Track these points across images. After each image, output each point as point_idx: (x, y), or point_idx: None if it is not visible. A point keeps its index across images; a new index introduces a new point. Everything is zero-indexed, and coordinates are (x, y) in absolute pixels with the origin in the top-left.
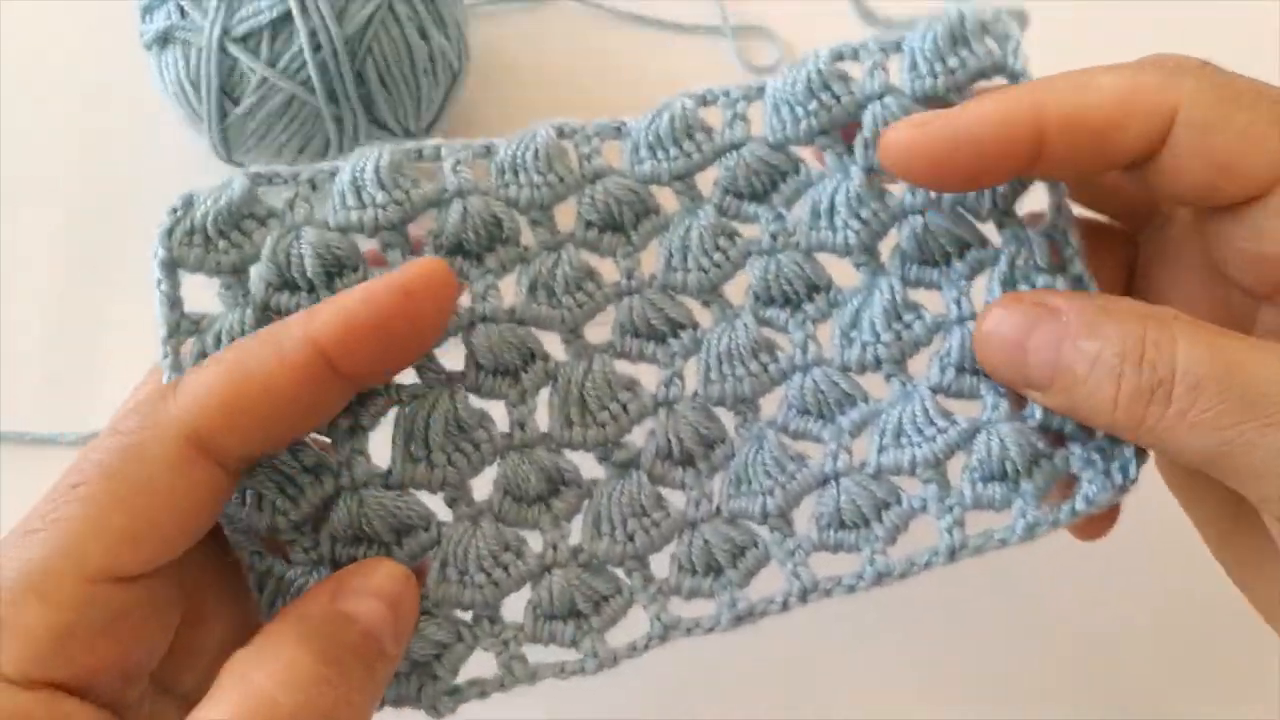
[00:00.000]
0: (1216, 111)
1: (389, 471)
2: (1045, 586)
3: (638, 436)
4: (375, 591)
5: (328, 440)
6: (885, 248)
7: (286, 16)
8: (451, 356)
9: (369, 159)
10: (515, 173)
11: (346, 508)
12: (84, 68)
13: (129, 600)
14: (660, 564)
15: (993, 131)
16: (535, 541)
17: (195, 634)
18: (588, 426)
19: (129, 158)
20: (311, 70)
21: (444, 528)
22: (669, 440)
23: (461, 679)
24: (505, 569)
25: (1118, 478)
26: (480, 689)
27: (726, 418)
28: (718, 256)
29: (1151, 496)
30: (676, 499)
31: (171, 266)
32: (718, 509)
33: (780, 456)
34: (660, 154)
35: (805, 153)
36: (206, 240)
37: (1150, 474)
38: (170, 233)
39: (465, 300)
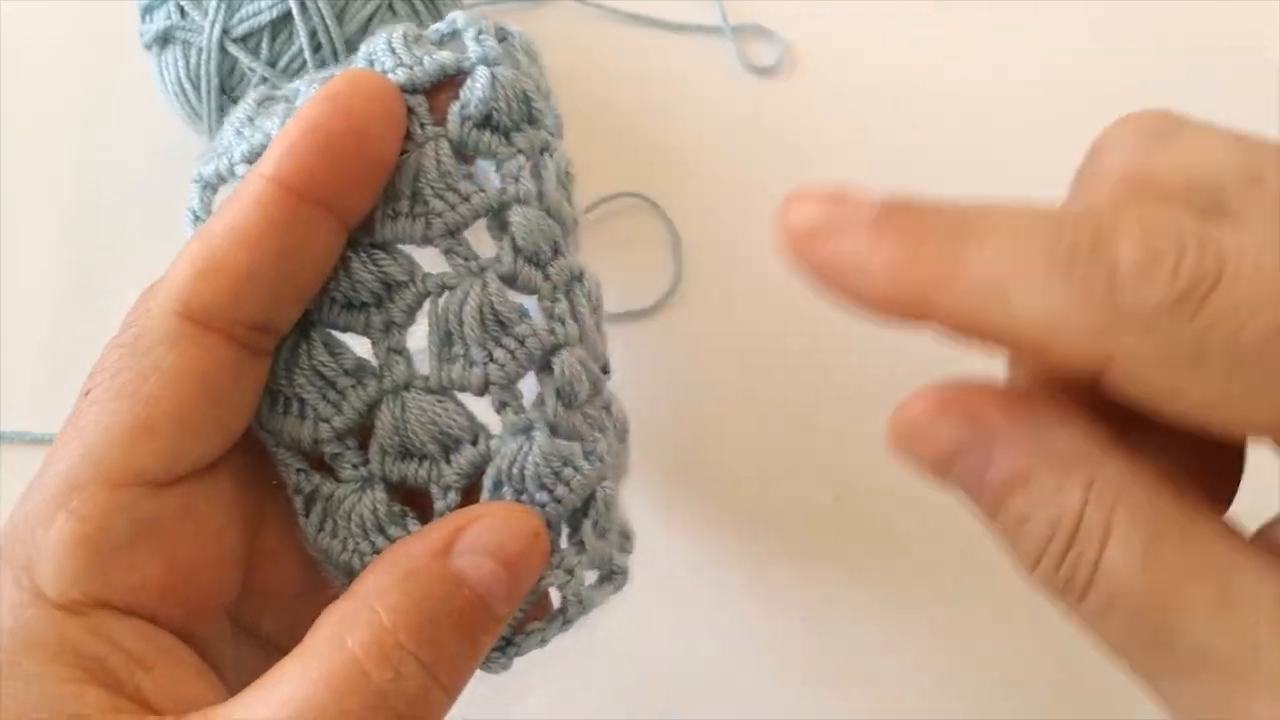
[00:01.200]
0: (1155, 370)
1: (429, 376)
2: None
3: None
4: (495, 550)
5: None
6: None
7: (287, 16)
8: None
9: (380, 37)
10: (535, 58)
11: (390, 411)
12: (83, 68)
13: (162, 509)
14: None
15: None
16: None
17: (267, 573)
18: None
19: (128, 158)
20: (311, 70)
21: (494, 442)
22: None
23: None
24: (568, 484)
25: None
26: (541, 635)
27: None
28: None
29: None
30: None
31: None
32: None
33: None
34: None
35: None
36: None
37: None
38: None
39: (496, 181)
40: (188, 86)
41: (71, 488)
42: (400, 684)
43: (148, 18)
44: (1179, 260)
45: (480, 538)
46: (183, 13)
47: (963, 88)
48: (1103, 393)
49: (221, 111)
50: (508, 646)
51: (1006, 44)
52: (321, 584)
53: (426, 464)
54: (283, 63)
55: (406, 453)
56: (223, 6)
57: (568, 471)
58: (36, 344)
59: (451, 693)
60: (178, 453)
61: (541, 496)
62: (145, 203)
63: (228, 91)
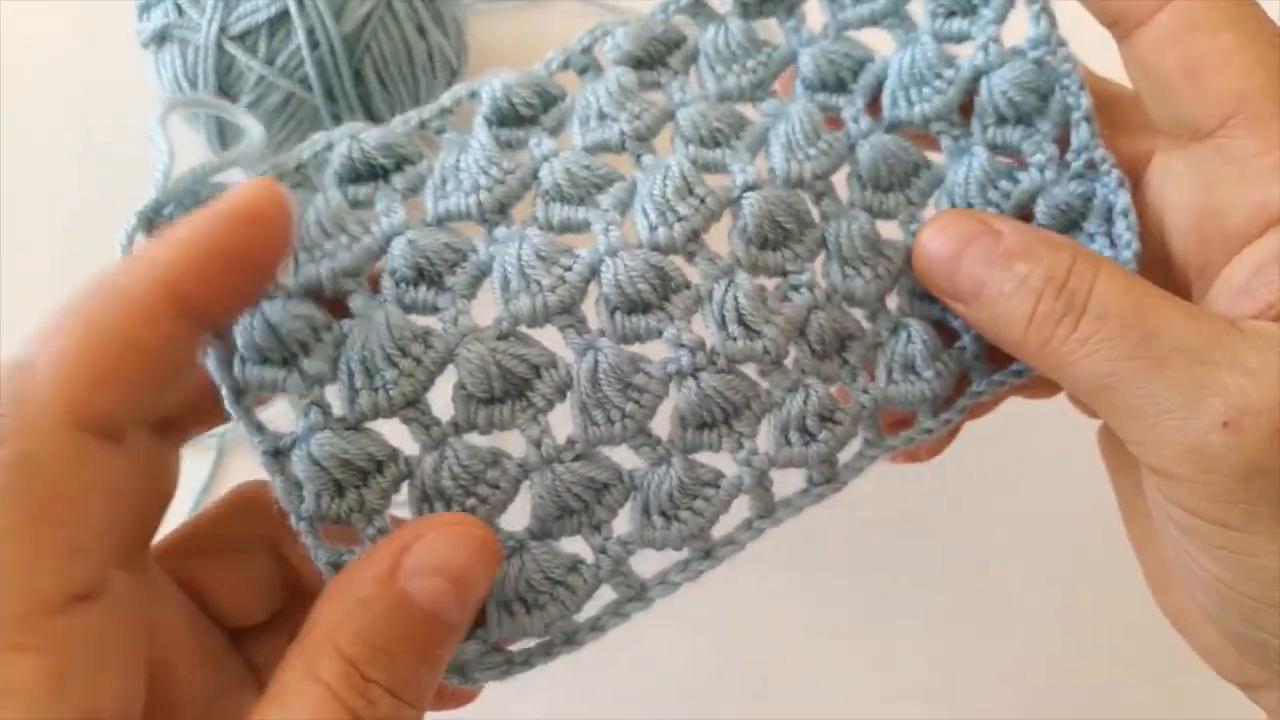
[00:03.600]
0: (1215, 14)
1: (343, 416)
2: (1044, 586)
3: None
4: (441, 567)
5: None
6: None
7: (284, 14)
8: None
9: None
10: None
11: (306, 453)
12: (81, 66)
13: (102, 621)
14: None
15: None
16: (516, 445)
17: (170, 687)
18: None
19: (126, 156)
20: (309, 68)
21: (411, 460)
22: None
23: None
24: (495, 486)
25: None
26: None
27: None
28: (823, 145)
29: None
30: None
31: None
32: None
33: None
34: (741, 66)
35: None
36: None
37: None
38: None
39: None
40: (185, 84)
41: (17, 625)
42: (374, 709)
43: (145, 16)
44: None
45: (424, 557)
46: (180, 11)
47: None
48: None
49: None
50: (511, 667)
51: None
52: (221, 704)
53: (352, 491)
54: (280, 60)
55: (339, 487)
56: (220, 5)
57: (493, 473)
58: None
59: (419, 706)
60: (107, 561)
61: (469, 503)
62: (143, 201)
63: (225, 89)
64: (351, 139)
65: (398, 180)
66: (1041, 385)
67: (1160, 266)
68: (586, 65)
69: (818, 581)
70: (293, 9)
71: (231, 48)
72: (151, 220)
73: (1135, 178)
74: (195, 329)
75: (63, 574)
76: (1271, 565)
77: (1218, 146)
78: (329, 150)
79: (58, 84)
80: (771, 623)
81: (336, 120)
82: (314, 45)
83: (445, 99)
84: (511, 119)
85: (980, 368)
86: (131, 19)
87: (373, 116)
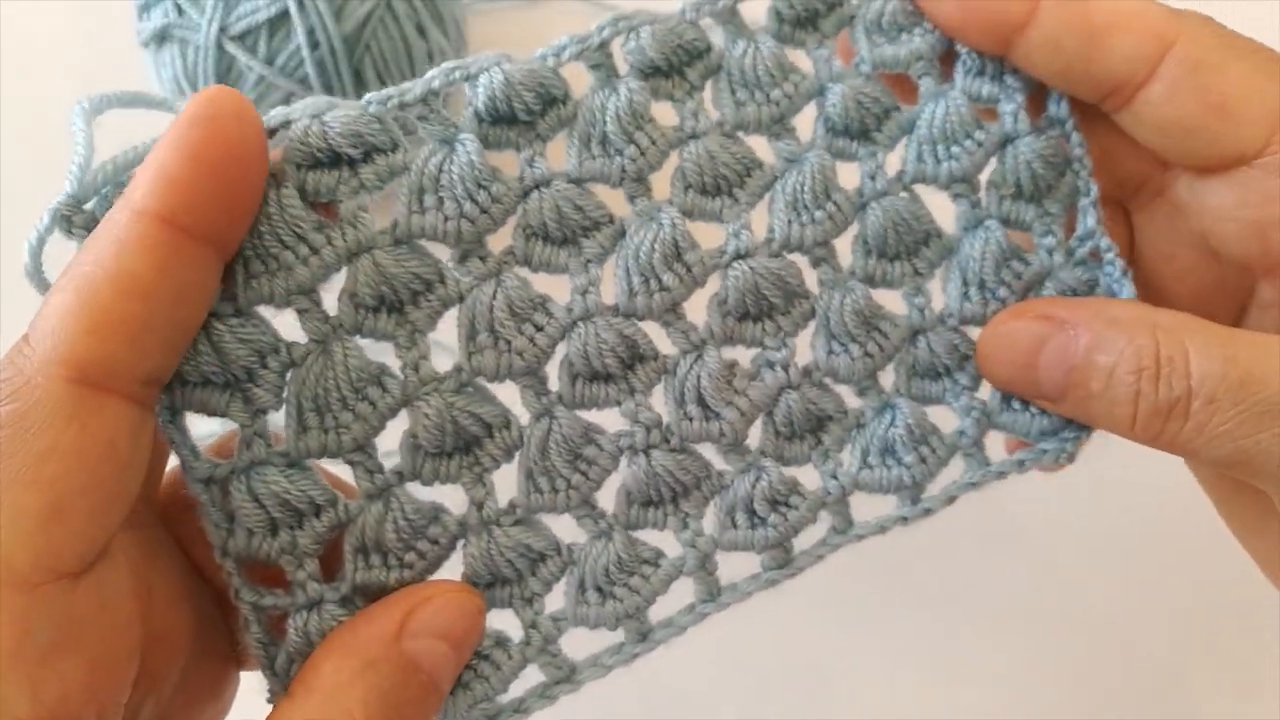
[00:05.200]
0: (1215, 54)
1: (285, 451)
2: (1053, 584)
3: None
4: (445, 631)
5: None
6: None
7: (284, 14)
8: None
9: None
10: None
11: (246, 487)
12: (81, 65)
13: (79, 603)
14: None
15: None
16: (456, 501)
17: (157, 659)
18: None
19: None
20: (309, 68)
21: (351, 506)
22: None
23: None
24: (435, 542)
25: (1065, 453)
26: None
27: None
28: (830, 207)
29: (1160, 501)
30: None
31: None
32: (806, 371)
33: (868, 314)
34: (763, 96)
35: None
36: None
37: (1160, 475)
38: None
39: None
40: (185, 84)
41: None
42: None
43: (145, 15)
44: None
45: (431, 620)
46: (180, 11)
47: None
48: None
49: None
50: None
51: None
52: (201, 668)
53: (285, 530)
54: (280, 60)
55: (273, 525)
56: (220, 4)
57: (434, 529)
58: None
59: None
60: (90, 535)
61: (409, 557)
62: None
63: None
64: (313, 118)
65: (366, 173)
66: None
67: (1213, 284)
68: (600, 62)
69: (819, 581)
70: (293, 9)
71: (231, 47)
72: (69, 217)
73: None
74: (199, 254)
75: (39, 546)
76: None
77: (1266, 165)
78: (285, 128)
79: (56, 82)
80: (772, 622)
81: None
82: (314, 45)
83: (435, 78)
84: (506, 118)
85: (977, 455)
86: (131, 19)
87: None
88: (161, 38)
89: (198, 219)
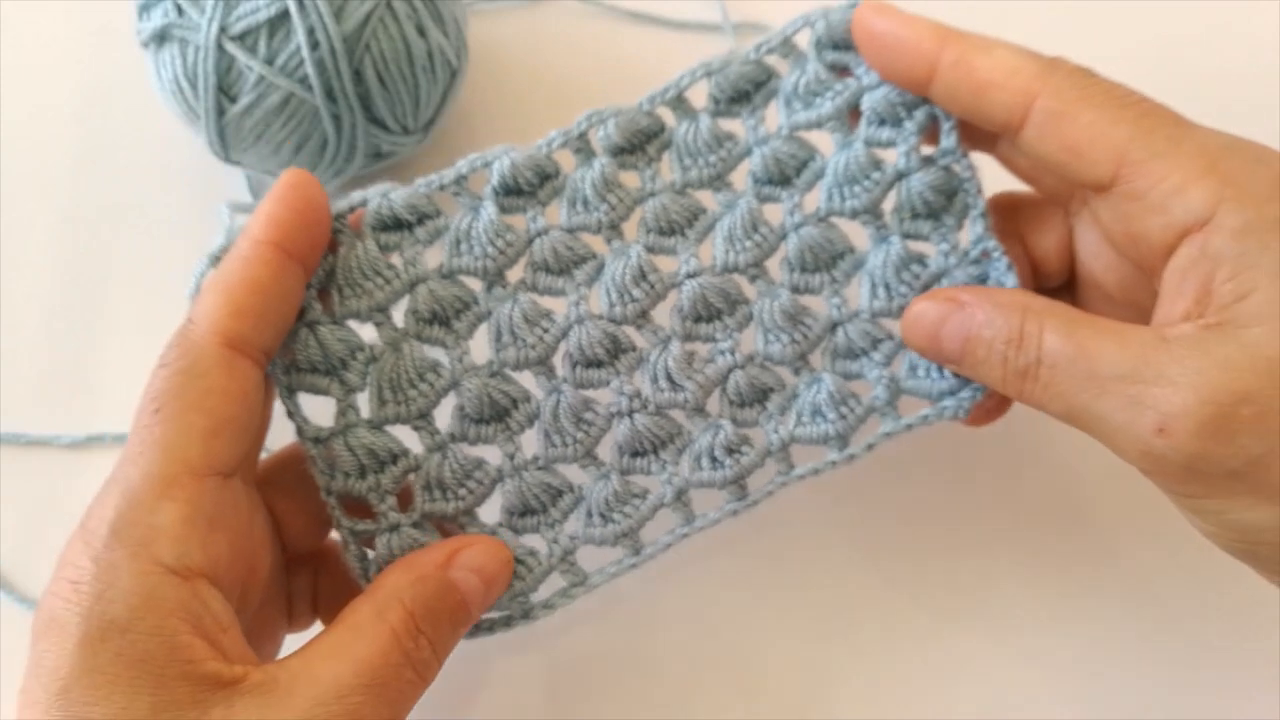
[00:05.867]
0: (1070, 105)
1: (370, 418)
2: (1052, 584)
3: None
4: (478, 569)
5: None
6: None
7: (284, 14)
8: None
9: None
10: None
11: (344, 443)
12: (81, 66)
13: (225, 498)
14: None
15: (911, 42)
16: (494, 455)
17: (258, 560)
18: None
19: (126, 156)
20: (309, 68)
21: (418, 456)
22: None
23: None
24: (479, 482)
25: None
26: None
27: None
28: (758, 237)
29: (1160, 500)
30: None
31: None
32: (750, 358)
33: (794, 312)
34: (704, 161)
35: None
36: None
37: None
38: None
39: (397, 261)
40: (185, 84)
41: (168, 481)
42: (417, 652)
43: (145, 15)
44: (1081, 66)
45: (471, 559)
46: (180, 11)
47: None
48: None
49: (219, 109)
50: (478, 632)
51: None
52: (264, 615)
53: (370, 475)
54: (280, 61)
55: (363, 470)
56: (220, 4)
57: (478, 475)
58: (35, 343)
59: (440, 660)
60: (234, 451)
61: (462, 492)
62: (143, 201)
63: (225, 89)
64: (383, 197)
65: (420, 232)
66: (983, 415)
67: (1132, 277)
68: (580, 147)
69: (818, 580)
70: (293, 9)
71: (231, 48)
72: (217, 258)
73: (1068, 246)
74: (293, 268)
75: (205, 449)
76: (1241, 517)
77: (1119, 193)
78: (364, 204)
79: (56, 82)
80: (772, 622)
81: (336, 120)
82: (314, 45)
83: (462, 166)
84: (514, 191)
85: (891, 413)
86: (131, 19)
87: (373, 116)
88: (161, 38)
89: (293, 245)
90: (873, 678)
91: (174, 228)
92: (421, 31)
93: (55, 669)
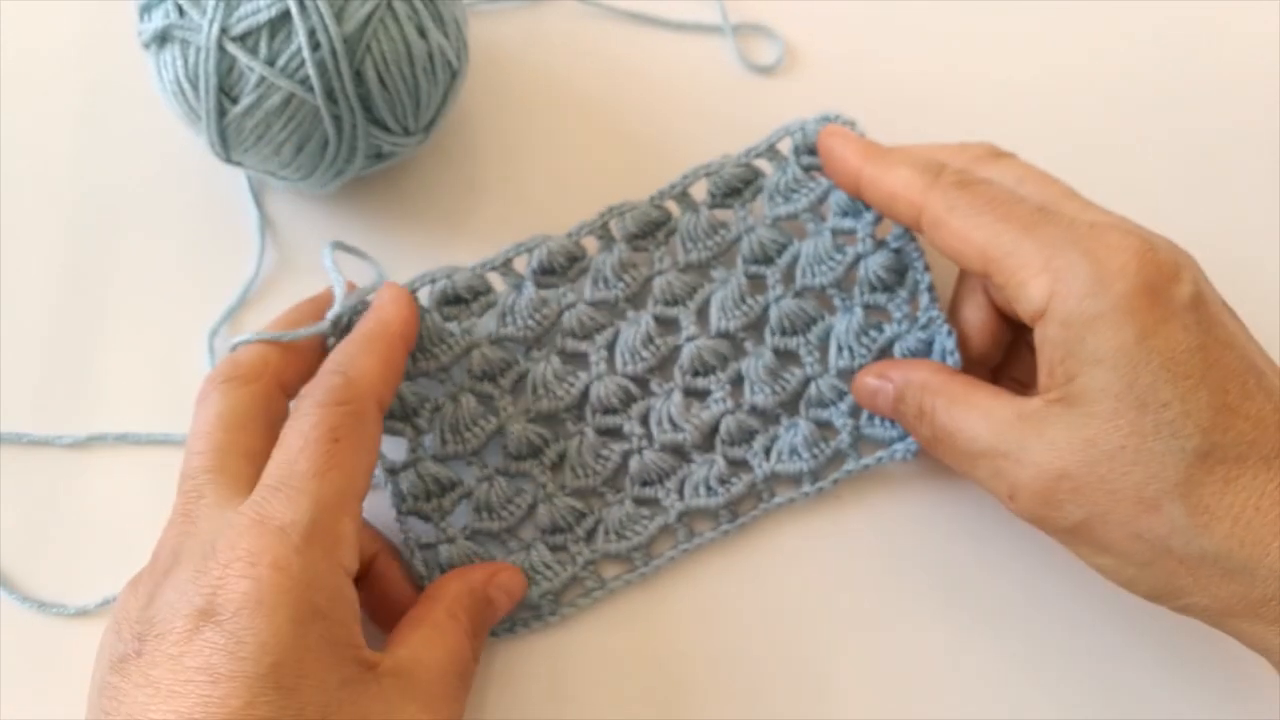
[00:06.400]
0: (942, 215)
1: (434, 454)
2: (1051, 584)
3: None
4: (509, 590)
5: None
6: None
7: (285, 15)
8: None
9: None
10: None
11: (415, 473)
12: (81, 66)
13: (357, 521)
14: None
15: (842, 160)
16: (530, 485)
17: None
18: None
19: (126, 156)
20: (310, 69)
21: (470, 484)
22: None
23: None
24: (519, 506)
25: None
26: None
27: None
28: (745, 307)
29: None
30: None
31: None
32: (741, 406)
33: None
34: (702, 245)
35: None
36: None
37: None
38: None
39: (455, 329)
40: (186, 86)
41: (347, 499)
42: (475, 647)
43: (146, 16)
44: (961, 173)
45: (503, 581)
46: (181, 11)
47: (962, 86)
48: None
49: (220, 110)
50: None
51: (1006, 43)
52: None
53: (446, 495)
54: (281, 61)
55: (429, 494)
56: (221, 5)
57: (517, 500)
58: (35, 343)
59: (478, 656)
60: (369, 487)
61: (504, 512)
62: (144, 202)
63: (226, 90)
64: (448, 278)
65: (475, 306)
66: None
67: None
68: (602, 235)
69: (818, 580)
70: (294, 10)
71: (232, 48)
72: (336, 324)
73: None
74: (405, 346)
75: (365, 482)
76: (1092, 561)
77: (990, 283)
78: (433, 283)
79: (57, 83)
80: (772, 622)
81: (337, 121)
82: (315, 46)
83: (511, 251)
84: (550, 271)
85: (853, 454)
86: (132, 20)
87: (373, 117)
88: (163, 39)
89: (407, 334)
90: (873, 678)
91: (175, 228)
92: (422, 32)
93: (265, 645)
